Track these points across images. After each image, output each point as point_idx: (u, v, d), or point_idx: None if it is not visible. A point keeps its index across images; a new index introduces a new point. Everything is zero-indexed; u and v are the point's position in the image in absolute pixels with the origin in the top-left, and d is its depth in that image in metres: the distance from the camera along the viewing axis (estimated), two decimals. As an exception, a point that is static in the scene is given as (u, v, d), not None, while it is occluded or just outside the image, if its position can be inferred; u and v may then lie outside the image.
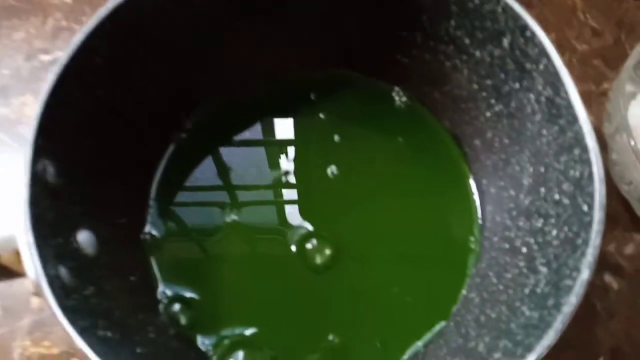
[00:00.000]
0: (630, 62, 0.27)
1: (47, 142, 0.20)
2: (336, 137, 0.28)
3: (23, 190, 0.19)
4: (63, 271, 0.19)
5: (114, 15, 0.21)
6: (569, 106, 0.20)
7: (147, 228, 0.26)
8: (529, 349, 0.17)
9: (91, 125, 0.22)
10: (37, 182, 0.19)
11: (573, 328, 0.22)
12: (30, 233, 0.18)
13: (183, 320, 0.24)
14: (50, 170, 0.20)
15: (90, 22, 0.21)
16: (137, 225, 0.26)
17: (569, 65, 0.34)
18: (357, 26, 0.26)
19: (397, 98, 0.29)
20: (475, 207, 0.26)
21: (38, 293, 0.18)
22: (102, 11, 0.21)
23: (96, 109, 0.23)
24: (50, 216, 0.20)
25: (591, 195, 0.18)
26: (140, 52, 0.23)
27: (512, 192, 0.24)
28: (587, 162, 0.19)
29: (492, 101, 0.24)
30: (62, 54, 0.20)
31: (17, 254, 0.19)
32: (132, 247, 0.25)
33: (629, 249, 0.27)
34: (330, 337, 0.24)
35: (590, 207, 0.18)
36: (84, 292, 0.20)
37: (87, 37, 0.21)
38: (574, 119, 0.20)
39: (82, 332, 0.18)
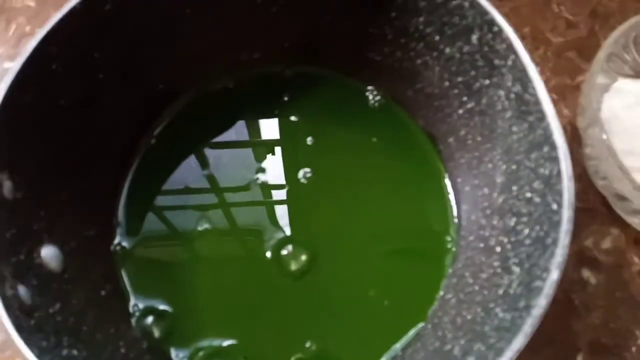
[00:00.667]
0: (602, 55, 0.26)
1: (2, 156, 0.19)
2: (309, 140, 0.27)
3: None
4: (23, 290, 0.18)
5: (69, 20, 0.20)
6: (537, 102, 0.20)
7: (117, 239, 0.25)
8: (499, 353, 0.17)
9: (50, 135, 0.22)
10: (-9, 199, 0.19)
11: (552, 323, 0.22)
12: (-16, 252, 0.17)
13: (157, 333, 0.23)
14: (7, 185, 0.20)
15: (44, 28, 0.20)
16: (107, 237, 0.25)
17: (544, 58, 0.34)
18: (325, 21, 0.26)
19: (370, 97, 0.28)
20: (451, 206, 0.26)
21: (-6, 314, 0.17)
22: (57, 15, 0.21)
23: (56, 118, 0.22)
24: (9, 233, 0.19)
25: (560, 194, 0.18)
26: (97, 57, 0.22)
27: (486, 190, 0.24)
28: (555, 160, 0.19)
29: (464, 98, 0.24)
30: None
31: (-27, 274, 0.18)
32: (101, 260, 0.24)
33: (606, 243, 0.27)
34: (308, 344, 0.23)
35: (560, 205, 0.18)
36: (48, 309, 0.19)
37: (41, 43, 0.20)
38: (542, 116, 0.19)
39: (44, 353, 0.17)
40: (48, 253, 0.21)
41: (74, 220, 0.23)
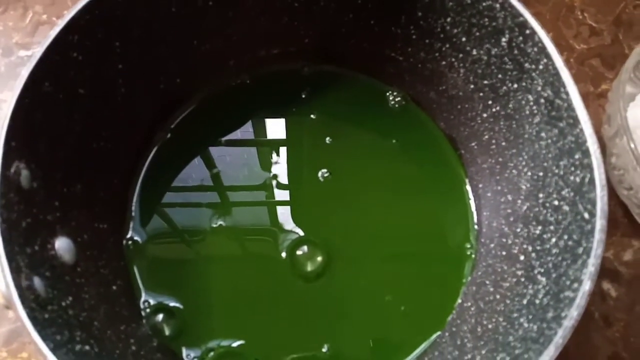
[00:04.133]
0: (629, 63, 0.26)
1: (21, 144, 0.19)
2: (328, 139, 0.27)
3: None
4: (38, 282, 0.18)
5: (92, 7, 0.20)
6: (570, 108, 0.19)
7: (130, 234, 0.25)
8: (528, 364, 0.16)
9: (68, 125, 0.21)
10: (9, 187, 0.18)
11: (571, 336, 0.21)
12: (0, 241, 0.17)
13: (167, 330, 0.23)
14: (25, 174, 0.19)
15: (67, 15, 0.20)
16: (119, 231, 0.25)
17: (566, 65, 0.34)
18: (347, 19, 0.25)
19: (391, 98, 0.28)
20: (471, 211, 0.26)
21: (9, 306, 0.16)
22: (80, 3, 0.20)
23: (74, 107, 0.21)
24: (25, 222, 0.19)
25: (593, 202, 0.18)
26: (118, 46, 0.22)
27: (510, 197, 0.23)
28: (588, 167, 0.18)
29: (489, 102, 0.24)
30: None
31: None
32: (113, 255, 0.24)
33: (628, 255, 0.27)
34: (322, 349, 0.23)
35: (592, 214, 0.17)
36: (61, 303, 0.19)
37: (64, 30, 0.20)
38: (574, 122, 0.19)
39: (58, 347, 0.17)
40: (62, 245, 0.21)
41: (87, 212, 0.23)
